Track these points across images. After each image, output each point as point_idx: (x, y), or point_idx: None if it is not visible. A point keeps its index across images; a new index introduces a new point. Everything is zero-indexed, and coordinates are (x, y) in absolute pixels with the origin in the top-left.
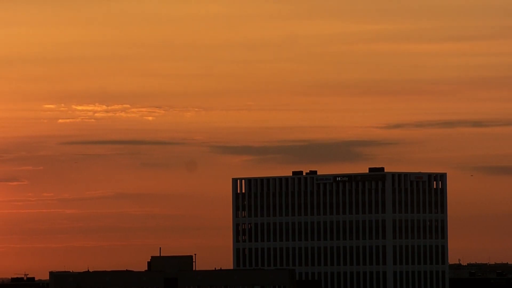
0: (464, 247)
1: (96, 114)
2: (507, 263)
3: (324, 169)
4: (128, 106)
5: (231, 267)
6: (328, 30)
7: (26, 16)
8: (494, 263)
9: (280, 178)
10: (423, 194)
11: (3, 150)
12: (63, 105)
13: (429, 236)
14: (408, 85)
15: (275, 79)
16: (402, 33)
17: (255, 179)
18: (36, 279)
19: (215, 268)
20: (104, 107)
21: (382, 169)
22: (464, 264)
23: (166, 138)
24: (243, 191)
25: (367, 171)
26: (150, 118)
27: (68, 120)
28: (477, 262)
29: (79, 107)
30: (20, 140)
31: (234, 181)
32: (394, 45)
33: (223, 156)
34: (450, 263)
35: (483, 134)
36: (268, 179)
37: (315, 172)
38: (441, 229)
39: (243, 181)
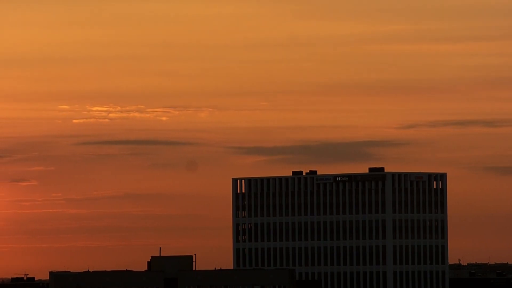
0: (464, 247)
1: (110, 115)
2: (507, 263)
3: (336, 169)
4: (142, 106)
5: (231, 267)
6: (340, 31)
7: (41, 16)
8: (494, 263)
9: (280, 178)
10: (423, 194)
11: (16, 150)
12: (77, 105)
13: (429, 236)
14: (420, 85)
15: (289, 80)
16: (414, 34)
17: (255, 179)
18: (36, 279)
19: (215, 268)
20: (119, 107)
21: (382, 169)
22: (464, 264)
23: (180, 139)
24: (243, 191)
25: (367, 171)
26: (164, 118)
27: (82, 121)
28: (477, 262)
29: (94, 108)
30: (34, 140)
31: (234, 181)
32: (405, 46)
33: (236, 156)
34: (450, 263)
35: (495, 134)
36: (268, 179)
37: (315, 172)
38: (441, 229)
39: (243, 181)
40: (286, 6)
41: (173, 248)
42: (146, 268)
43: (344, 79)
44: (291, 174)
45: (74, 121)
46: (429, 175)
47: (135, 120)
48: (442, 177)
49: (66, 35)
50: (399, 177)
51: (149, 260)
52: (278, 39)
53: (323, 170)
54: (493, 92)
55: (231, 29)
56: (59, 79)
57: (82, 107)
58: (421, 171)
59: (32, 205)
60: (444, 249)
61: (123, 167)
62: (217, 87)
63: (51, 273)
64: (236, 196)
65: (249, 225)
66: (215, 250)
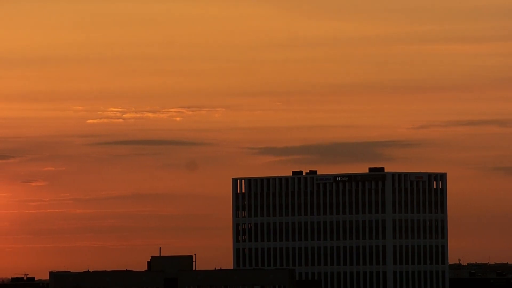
0: (464, 247)
1: (124, 115)
2: (507, 263)
3: (336, 169)
4: (156, 107)
5: (231, 267)
6: (354, 31)
7: (54, 16)
8: (494, 263)
9: (280, 178)
10: (423, 194)
11: (29, 151)
12: (91, 106)
13: (429, 236)
14: (431, 85)
15: (302, 80)
16: (424, 34)
17: (255, 179)
18: (36, 279)
19: (215, 268)
20: (133, 108)
21: (382, 169)
22: (464, 264)
23: (193, 139)
24: (243, 191)
25: (367, 171)
26: (178, 119)
27: (96, 121)
28: (477, 262)
29: (108, 108)
30: (47, 140)
31: (234, 181)
32: (416, 46)
33: (251, 156)
34: (450, 263)
35: (506, 134)
36: (268, 179)
37: (315, 172)
38: (441, 229)
39: (243, 181)
40: (300, 6)
41: (173, 248)
42: (146, 268)
43: (357, 79)
44: (291, 174)
45: (88, 121)
46: (429, 175)
47: (149, 121)
48: (442, 177)
49: (81, 35)
50: (399, 177)
51: (149, 260)
52: (290, 40)
53: (325, 170)
54: (505, 92)
55: (245, 29)
56: (73, 79)
57: (96, 107)
58: (421, 171)
59: (39, 205)
60: (444, 249)
61: (133, 168)
62: (230, 87)
63: (51, 273)
64: (236, 196)
65: (249, 225)
66: (215, 250)
